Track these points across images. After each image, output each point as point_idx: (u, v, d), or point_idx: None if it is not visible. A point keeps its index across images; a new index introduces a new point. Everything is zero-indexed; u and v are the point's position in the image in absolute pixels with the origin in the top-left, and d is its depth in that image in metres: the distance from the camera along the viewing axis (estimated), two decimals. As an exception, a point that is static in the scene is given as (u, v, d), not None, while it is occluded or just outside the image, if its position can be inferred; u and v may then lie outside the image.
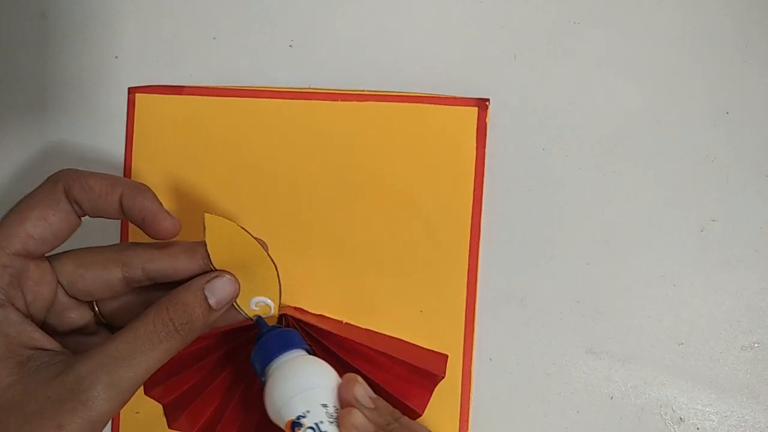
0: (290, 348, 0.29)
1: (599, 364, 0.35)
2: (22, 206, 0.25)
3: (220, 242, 0.29)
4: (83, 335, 0.28)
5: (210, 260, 0.28)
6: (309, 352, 0.30)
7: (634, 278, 0.35)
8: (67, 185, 0.26)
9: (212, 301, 0.27)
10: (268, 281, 0.31)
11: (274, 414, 0.28)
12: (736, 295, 0.35)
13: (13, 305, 0.24)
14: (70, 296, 0.28)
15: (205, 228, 0.29)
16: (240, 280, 0.29)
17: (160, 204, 0.27)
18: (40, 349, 0.24)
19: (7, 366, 0.23)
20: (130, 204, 0.27)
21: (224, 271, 0.28)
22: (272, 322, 0.31)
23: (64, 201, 0.26)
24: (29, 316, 0.25)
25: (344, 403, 0.28)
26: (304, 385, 0.27)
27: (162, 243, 0.28)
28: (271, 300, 0.30)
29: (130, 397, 0.25)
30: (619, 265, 0.35)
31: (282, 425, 0.28)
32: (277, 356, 0.29)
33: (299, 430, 0.26)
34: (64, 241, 0.27)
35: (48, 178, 0.27)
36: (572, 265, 0.35)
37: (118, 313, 0.29)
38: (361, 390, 0.28)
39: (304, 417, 0.27)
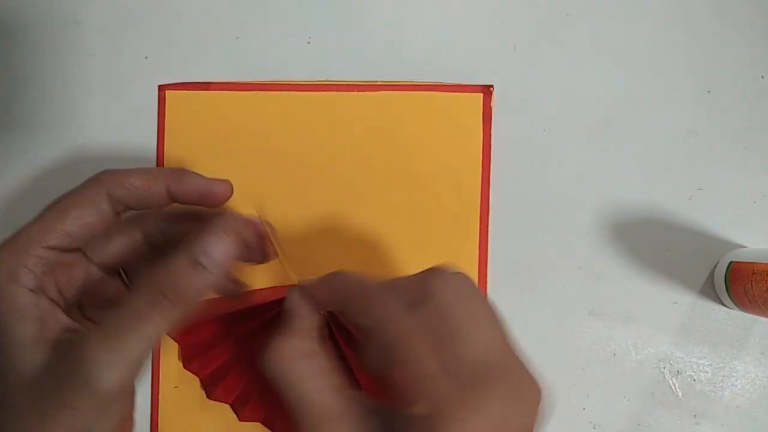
0: None
1: (601, 325, 0.38)
2: (62, 204, 0.26)
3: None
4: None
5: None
6: None
7: (630, 245, 0.38)
8: (110, 188, 0.26)
9: (205, 262, 0.24)
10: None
11: None
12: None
13: (44, 293, 0.25)
14: (101, 270, 0.28)
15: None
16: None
17: (203, 176, 0.28)
18: (72, 328, 0.25)
19: (41, 349, 0.24)
20: (179, 189, 0.28)
21: (219, 229, 0.25)
22: None
23: (105, 203, 0.26)
24: (63, 299, 0.26)
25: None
26: None
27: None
28: None
29: (138, 370, 0.24)
30: (616, 233, 0.38)
31: None
32: None
33: None
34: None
35: (89, 180, 0.27)
36: (574, 235, 0.38)
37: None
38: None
39: None
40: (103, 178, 0.27)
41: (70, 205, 0.26)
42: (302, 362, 0.24)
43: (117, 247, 0.28)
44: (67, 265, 0.26)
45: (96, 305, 0.28)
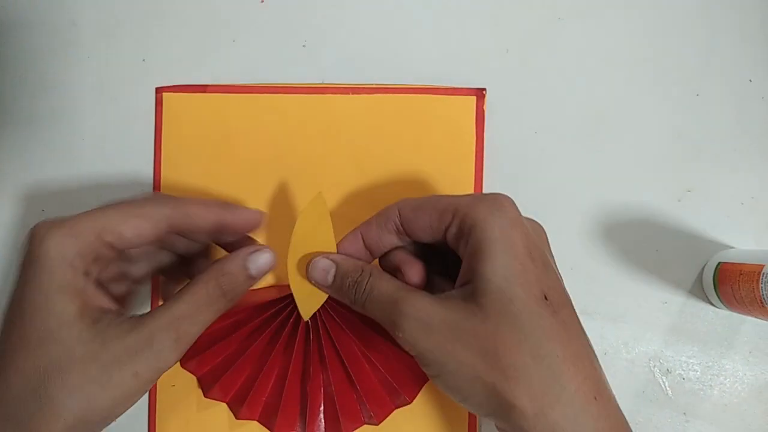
0: None
1: (593, 324, 0.39)
2: (126, 209, 0.29)
3: (309, 221, 0.34)
4: (131, 299, 0.33)
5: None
6: None
7: (621, 246, 0.39)
8: (173, 212, 0.30)
9: (253, 271, 0.31)
10: None
11: None
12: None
13: (89, 276, 0.28)
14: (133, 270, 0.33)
15: (309, 202, 0.34)
16: (303, 256, 0.34)
17: (247, 208, 0.32)
18: (108, 310, 0.28)
19: (85, 324, 0.27)
20: (229, 221, 0.31)
21: (265, 246, 0.32)
22: (324, 298, 0.34)
23: (164, 223, 0.29)
24: (100, 284, 0.29)
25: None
26: None
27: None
28: None
29: (188, 348, 0.29)
30: (607, 235, 0.39)
31: None
32: None
33: None
34: None
35: (155, 197, 0.31)
36: (565, 236, 0.39)
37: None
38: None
39: None
40: (167, 201, 0.30)
41: (134, 213, 0.29)
42: None
43: (156, 260, 0.34)
44: (110, 259, 0.29)
45: (114, 295, 0.32)
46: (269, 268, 0.32)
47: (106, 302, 0.29)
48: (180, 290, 0.29)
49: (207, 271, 0.30)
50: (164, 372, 0.28)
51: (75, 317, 0.27)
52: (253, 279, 0.31)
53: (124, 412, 0.28)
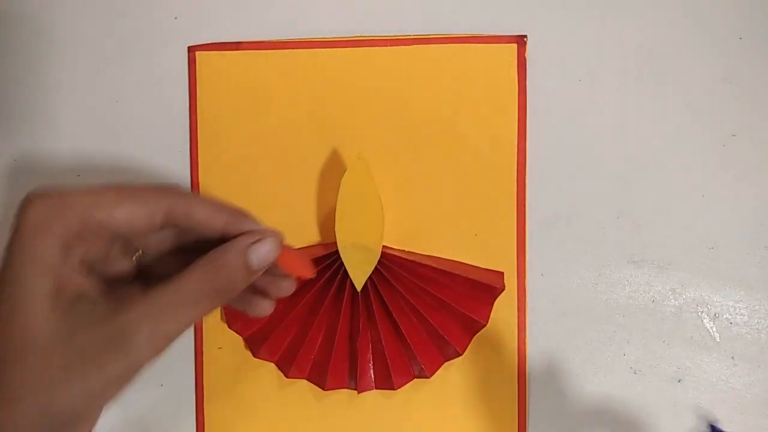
0: None
1: (640, 272, 0.39)
2: (124, 191, 0.26)
3: (353, 185, 0.34)
4: (122, 283, 0.29)
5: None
6: None
7: (667, 192, 0.39)
8: (174, 208, 0.26)
9: (254, 264, 0.27)
10: (374, 225, 0.35)
11: None
12: (757, 201, 0.38)
13: (70, 255, 0.25)
14: (119, 249, 0.28)
15: (349, 166, 0.34)
16: (349, 221, 0.34)
17: (258, 221, 0.28)
18: (87, 294, 0.25)
19: (58, 305, 0.24)
20: (235, 232, 0.27)
21: (268, 231, 0.28)
22: (375, 261, 0.35)
23: (160, 216, 0.26)
24: (83, 264, 0.26)
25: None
26: None
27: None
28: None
29: (168, 346, 0.25)
30: (652, 181, 0.39)
31: None
32: None
33: None
34: None
35: (159, 187, 0.27)
36: (611, 184, 0.39)
37: (157, 265, 0.29)
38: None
39: None
40: (173, 193, 0.27)
41: (131, 196, 0.26)
42: None
43: (146, 244, 0.29)
44: (96, 236, 0.26)
45: (103, 277, 0.28)
46: (273, 258, 0.28)
47: (87, 285, 0.25)
48: (170, 279, 0.25)
49: (201, 260, 0.26)
50: (139, 370, 0.24)
51: (46, 296, 0.24)
52: (255, 273, 0.27)
53: (98, 410, 0.24)
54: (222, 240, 0.27)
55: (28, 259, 0.24)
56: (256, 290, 0.30)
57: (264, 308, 0.31)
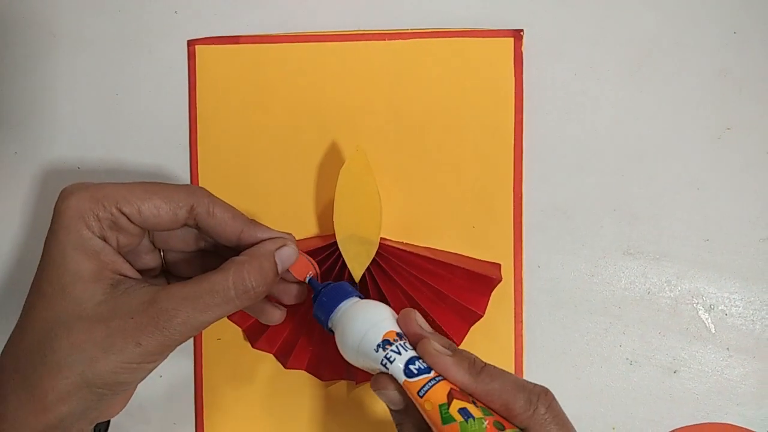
0: (347, 297, 0.31)
1: (636, 264, 0.39)
2: (152, 188, 0.28)
3: (351, 176, 0.35)
4: (149, 276, 0.32)
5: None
6: (361, 299, 0.32)
7: (662, 185, 0.39)
8: (197, 205, 0.29)
9: (279, 268, 0.29)
10: (372, 217, 0.35)
11: (350, 351, 0.29)
12: (752, 193, 0.39)
13: (108, 241, 0.28)
14: (149, 242, 0.31)
15: (347, 158, 0.35)
16: (347, 213, 0.35)
17: (272, 229, 0.30)
18: (126, 276, 0.28)
19: (101, 286, 0.27)
20: (250, 238, 0.30)
21: (285, 237, 0.30)
22: (373, 252, 0.35)
23: (184, 212, 0.29)
24: (119, 252, 0.28)
25: (408, 333, 0.29)
26: (373, 319, 0.29)
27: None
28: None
29: (200, 331, 0.29)
30: (649, 174, 0.39)
31: (360, 359, 0.29)
32: (338, 305, 0.31)
33: (389, 347, 0.28)
34: None
35: (186, 186, 0.29)
36: (608, 177, 0.39)
37: (179, 264, 0.32)
38: (422, 320, 0.30)
39: (387, 342, 0.28)
40: (198, 193, 0.29)
41: (157, 193, 0.28)
42: None
43: (173, 242, 0.32)
44: (128, 230, 0.28)
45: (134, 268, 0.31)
46: (294, 261, 0.30)
47: (127, 269, 0.28)
48: (206, 275, 0.28)
49: (236, 261, 0.28)
50: (173, 348, 0.27)
51: (90, 277, 0.26)
52: (278, 276, 0.29)
53: (134, 381, 0.27)
54: (238, 246, 0.30)
55: (71, 245, 0.26)
56: (267, 298, 0.32)
57: (276, 316, 0.33)
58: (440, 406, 0.26)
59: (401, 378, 0.28)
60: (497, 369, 0.28)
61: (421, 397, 0.27)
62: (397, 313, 0.30)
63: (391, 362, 0.28)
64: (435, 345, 0.28)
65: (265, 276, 0.28)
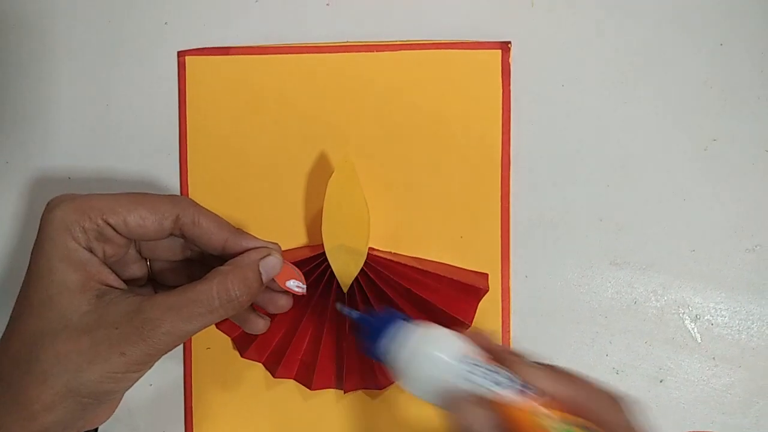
0: (397, 323, 0.29)
1: (622, 274, 0.39)
2: (137, 198, 0.29)
3: (339, 187, 0.35)
4: (136, 285, 0.32)
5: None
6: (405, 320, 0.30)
7: (648, 195, 0.39)
8: (182, 215, 0.29)
9: (264, 277, 0.29)
10: (360, 227, 0.36)
11: (426, 382, 0.27)
12: (738, 203, 0.39)
13: (93, 252, 0.28)
14: (136, 252, 0.31)
15: (335, 168, 0.35)
16: (335, 223, 0.35)
17: (258, 239, 0.30)
18: (112, 287, 0.28)
19: (86, 296, 0.27)
20: (235, 248, 0.30)
21: (270, 246, 0.30)
22: (361, 262, 0.35)
23: (170, 222, 0.29)
24: (105, 262, 0.28)
25: (491, 352, 0.28)
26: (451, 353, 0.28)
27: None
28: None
29: (184, 341, 0.30)
30: (635, 184, 0.39)
31: (442, 399, 0.27)
32: (394, 334, 0.29)
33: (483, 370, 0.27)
34: None
35: (171, 197, 0.29)
36: (594, 188, 0.39)
37: (165, 273, 0.32)
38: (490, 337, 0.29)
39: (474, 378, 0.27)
40: (183, 203, 0.29)
41: (143, 203, 0.28)
42: None
43: (159, 251, 0.32)
44: (114, 241, 0.29)
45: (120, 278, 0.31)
46: (278, 271, 0.30)
47: (113, 279, 0.28)
48: (190, 284, 0.28)
49: (220, 270, 0.28)
50: (157, 358, 0.27)
51: (76, 288, 0.27)
52: (263, 286, 0.29)
53: (119, 390, 0.27)
54: (223, 255, 0.30)
55: (58, 256, 0.27)
56: (252, 307, 0.33)
57: (260, 325, 0.33)
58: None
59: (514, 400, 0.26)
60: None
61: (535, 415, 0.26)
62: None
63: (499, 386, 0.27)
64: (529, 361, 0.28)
65: (249, 286, 0.28)
